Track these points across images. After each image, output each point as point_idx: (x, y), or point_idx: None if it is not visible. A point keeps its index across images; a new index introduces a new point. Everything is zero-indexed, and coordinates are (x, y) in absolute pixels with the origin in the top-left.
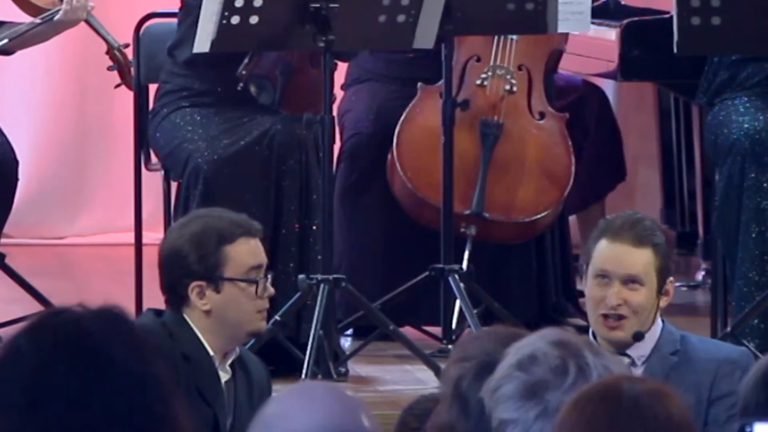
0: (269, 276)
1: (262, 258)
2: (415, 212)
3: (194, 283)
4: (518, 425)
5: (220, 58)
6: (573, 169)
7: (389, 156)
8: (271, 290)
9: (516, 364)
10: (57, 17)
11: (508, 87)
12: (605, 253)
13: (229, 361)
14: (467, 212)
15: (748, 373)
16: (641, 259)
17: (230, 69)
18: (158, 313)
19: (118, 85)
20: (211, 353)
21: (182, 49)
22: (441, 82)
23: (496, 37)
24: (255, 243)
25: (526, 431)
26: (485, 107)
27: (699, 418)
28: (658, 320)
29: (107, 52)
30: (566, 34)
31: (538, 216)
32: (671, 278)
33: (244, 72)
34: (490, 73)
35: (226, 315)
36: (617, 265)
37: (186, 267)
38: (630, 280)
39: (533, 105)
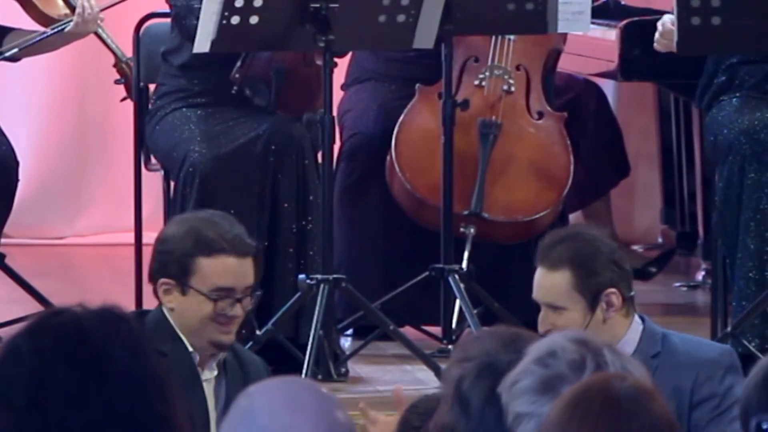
0: (253, 296)
1: (235, 280)
2: (415, 213)
3: (164, 279)
4: (533, 419)
5: (213, 62)
6: (572, 168)
7: (388, 157)
8: (237, 312)
9: (535, 359)
10: (68, 29)
11: (506, 87)
12: (534, 277)
13: (216, 360)
14: (466, 212)
15: (729, 372)
16: (556, 284)
17: (224, 72)
18: (141, 314)
19: (123, 99)
20: (191, 349)
21: (176, 53)
22: (439, 83)
23: (493, 38)
24: (235, 263)
25: (540, 425)
26: (483, 107)
27: (682, 424)
28: (636, 323)
29: (115, 65)
30: (565, 34)
31: (538, 215)
32: (611, 289)
33: (237, 75)
34: (487, 74)
35: (183, 318)
36: (537, 292)
37: (163, 262)
38: (550, 306)
39: (531, 105)
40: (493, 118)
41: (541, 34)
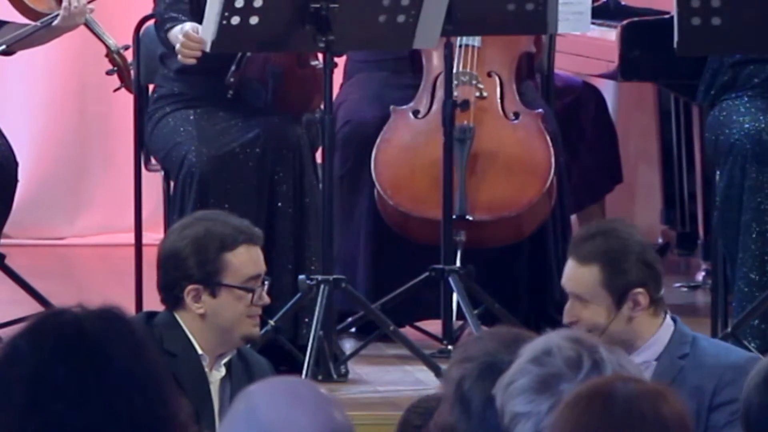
0: (266, 283)
1: (261, 267)
2: (402, 228)
3: (191, 287)
4: (531, 418)
5: (210, 67)
6: (553, 160)
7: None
8: (266, 299)
9: (530, 358)
10: (55, 22)
11: (477, 93)
12: (565, 267)
13: (224, 360)
14: (452, 217)
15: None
16: (584, 277)
17: (221, 77)
18: (151, 315)
19: (117, 89)
20: (200, 352)
21: (172, 57)
22: (410, 104)
23: (456, 46)
24: (255, 251)
25: (538, 424)
26: (456, 113)
27: (700, 425)
28: (667, 324)
29: (107, 55)
30: (533, 37)
31: (523, 210)
32: (638, 289)
33: (232, 80)
34: (455, 82)
35: (219, 319)
36: (566, 282)
37: (184, 270)
38: (577, 297)
39: (506, 107)
40: (465, 122)
41: (541, 34)
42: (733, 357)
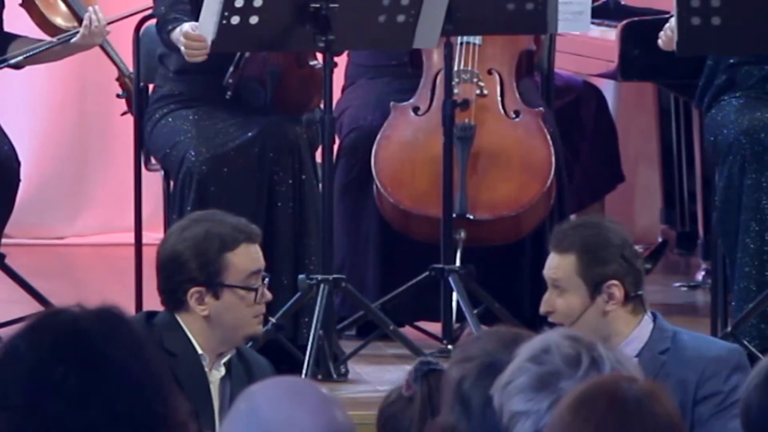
0: (266, 280)
1: (261, 263)
2: (403, 226)
3: (194, 289)
4: (530, 417)
5: (209, 67)
6: (553, 159)
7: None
8: (269, 296)
9: (528, 357)
10: (74, 40)
11: (478, 91)
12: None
13: (224, 360)
14: (453, 215)
15: (736, 371)
16: (562, 265)
17: (220, 77)
18: (151, 315)
19: (124, 113)
20: (200, 352)
21: (171, 57)
22: (410, 101)
23: (457, 44)
24: (255, 249)
25: (538, 422)
26: (457, 112)
27: (686, 418)
28: (646, 321)
29: (118, 79)
30: (533, 35)
31: (523, 209)
32: (613, 281)
33: (230, 80)
34: (456, 80)
35: (223, 320)
36: (546, 271)
37: (186, 273)
38: (553, 285)
39: (507, 105)
40: (467, 120)
41: (541, 33)
42: (714, 349)
